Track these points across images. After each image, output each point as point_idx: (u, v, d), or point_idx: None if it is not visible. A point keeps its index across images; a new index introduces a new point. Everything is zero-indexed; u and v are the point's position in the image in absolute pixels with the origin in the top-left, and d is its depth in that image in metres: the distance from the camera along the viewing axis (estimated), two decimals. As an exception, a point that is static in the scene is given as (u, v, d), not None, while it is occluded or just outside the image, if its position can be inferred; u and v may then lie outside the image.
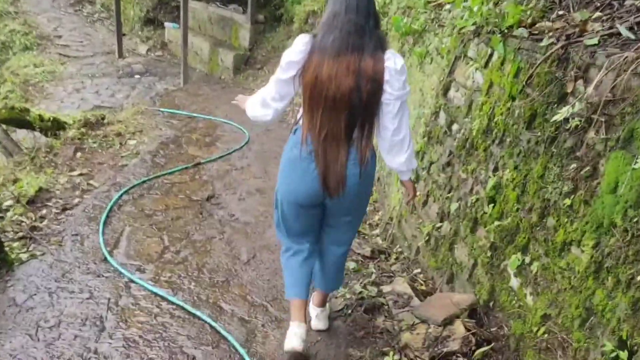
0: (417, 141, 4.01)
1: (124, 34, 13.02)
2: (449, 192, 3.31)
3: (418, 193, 3.65)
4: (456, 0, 3.99)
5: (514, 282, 2.54)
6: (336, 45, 2.27)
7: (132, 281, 3.34)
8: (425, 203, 3.64)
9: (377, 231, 4.41)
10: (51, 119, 6.05)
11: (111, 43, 12.20)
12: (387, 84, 2.31)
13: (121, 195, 4.59)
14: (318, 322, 2.97)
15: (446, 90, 3.64)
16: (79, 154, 5.68)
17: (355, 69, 2.26)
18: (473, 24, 3.36)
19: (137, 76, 10.94)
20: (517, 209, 2.58)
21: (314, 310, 2.99)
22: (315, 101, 2.34)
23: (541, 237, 2.37)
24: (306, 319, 2.77)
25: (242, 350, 2.77)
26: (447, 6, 4.72)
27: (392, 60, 2.32)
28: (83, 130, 6.31)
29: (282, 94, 2.45)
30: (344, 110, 2.31)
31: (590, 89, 2.13)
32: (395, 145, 2.44)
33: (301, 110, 2.47)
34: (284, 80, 2.41)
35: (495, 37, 3.00)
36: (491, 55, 3.10)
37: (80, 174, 5.19)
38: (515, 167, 2.65)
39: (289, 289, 2.75)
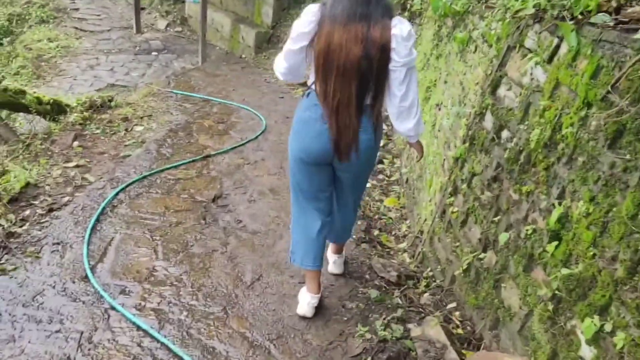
0: (456, 145, 3.39)
1: (142, 8, 12.49)
2: (496, 215, 2.69)
3: (456, 209, 3.09)
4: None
5: (587, 352, 1.94)
6: (345, 14, 2.31)
7: (113, 308, 2.82)
8: (464, 223, 3.03)
9: (404, 245, 3.82)
10: (50, 101, 5.55)
11: (129, 17, 11.66)
12: (394, 51, 2.34)
13: (116, 194, 4.07)
14: (335, 267, 3.29)
15: (495, 87, 3.00)
16: (77, 142, 5.18)
17: (363, 38, 2.30)
18: (534, 6, 2.70)
19: (154, 53, 10.41)
20: (594, 255, 1.97)
21: (331, 257, 3.30)
22: (327, 69, 2.38)
23: (630, 300, 1.76)
24: (320, 289, 2.94)
25: (234, 412, 2.25)
26: (495, -17, 4.08)
27: (399, 27, 2.34)
28: (86, 114, 5.81)
29: (292, 63, 2.51)
30: (354, 78, 2.36)
31: None
32: (403, 111, 2.49)
33: (312, 76, 2.51)
34: (294, 50, 2.45)
35: (565, 25, 2.35)
36: (558, 47, 2.45)
37: (77, 166, 4.69)
38: (592, 199, 2.02)
39: (304, 259, 2.85)
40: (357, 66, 2.33)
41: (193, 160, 4.94)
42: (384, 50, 2.32)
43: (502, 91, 2.94)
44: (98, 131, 5.56)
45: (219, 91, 7.59)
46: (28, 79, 9.06)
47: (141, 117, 6.17)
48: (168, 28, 11.65)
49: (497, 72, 3.00)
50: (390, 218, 4.19)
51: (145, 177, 4.46)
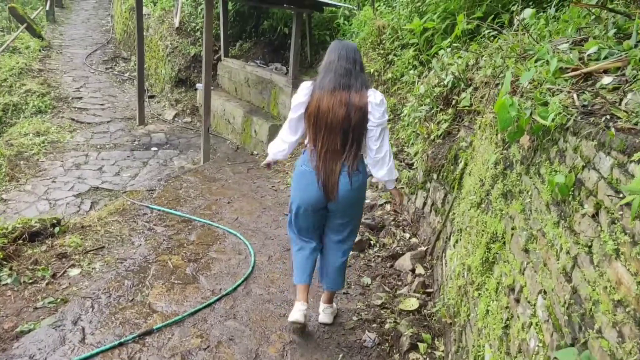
0: None
1: (151, 97, 11.33)
2: None
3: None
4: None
5: None
6: (332, 85, 3.03)
7: None
8: None
9: None
10: (-55, 238, 3.97)
11: (135, 107, 10.42)
12: (370, 114, 3.04)
13: None
14: (324, 316, 3.61)
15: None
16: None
17: (346, 102, 3.01)
18: None
19: (154, 149, 9.00)
20: None
21: (321, 305, 3.65)
22: (318, 126, 3.05)
23: None
24: (308, 299, 3.41)
25: None
26: (607, 79, 2.39)
27: (373, 96, 3.05)
28: (2, 253, 4.19)
29: (294, 129, 3.19)
30: (338, 133, 3.04)
31: None
32: (378, 161, 3.14)
33: (307, 136, 3.17)
34: (295, 119, 3.15)
35: None
36: None
37: None
38: None
39: (298, 277, 3.40)
40: (341, 124, 3.02)
41: (120, 344, 3.19)
42: (362, 112, 3.02)
43: None
44: (9, 280, 3.91)
45: (210, 205, 5.95)
46: (-1, 180, 7.70)
47: (86, 252, 4.52)
48: (176, 118, 10.33)
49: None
50: None
51: (22, 388, 2.72)
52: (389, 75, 6.75)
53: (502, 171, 2.89)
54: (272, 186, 6.72)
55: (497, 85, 3.59)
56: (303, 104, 3.07)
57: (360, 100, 3.00)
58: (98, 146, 8.95)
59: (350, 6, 8.79)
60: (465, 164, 4.09)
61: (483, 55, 4.61)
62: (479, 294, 2.78)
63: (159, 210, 5.67)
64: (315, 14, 9.13)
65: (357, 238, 4.81)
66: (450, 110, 4.91)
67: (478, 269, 2.88)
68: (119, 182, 7.76)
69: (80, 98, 10.86)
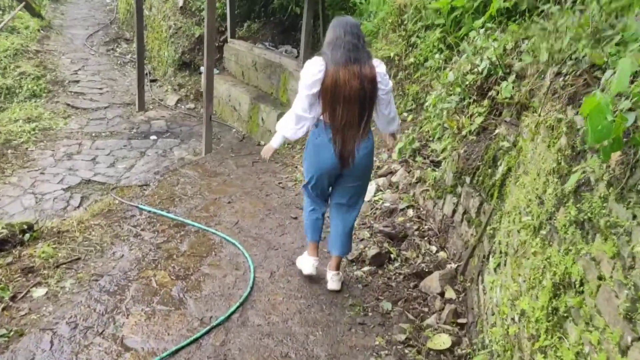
0: None
1: (154, 80, 10.63)
2: None
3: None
4: None
5: None
6: (344, 59, 3.15)
7: None
8: None
9: None
10: None
11: (135, 92, 9.73)
12: (380, 83, 3.25)
13: None
14: (332, 283, 3.77)
15: None
16: None
17: (359, 74, 3.16)
18: None
19: (153, 137, 8.32)
20: None
21: (329, 273, 3.80)
22: (336, 99, 3.18)
23: None
24: (318, 254, 3.83)
25: None
26: None
27: (380, 67, 3.26)
28: (-46, 268, 3.55)
29: (311, 105, 3.26)
30: (355, 104, 3.20)
31: None
32: (389, 121, 3.49)
33: (320, 109, 3.28)
34: (311, 95, 3.23)
35: None
36: None
37: None
38: None
39: (311, 236, 3.78)
40: (357, 95, 3.18)
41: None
42: (373, 82, 3.21)
43: None
44: (-44, 305, 3.27)
45: (208, 205, 5.26)
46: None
47: (57, 266, 3.86)
48: (179, 104, 9.62)
49: None
50: None
51: None
52: (411, 59, 5.98)
53: (575, 191, 2.16)
54: (279, 182, 6.02)
55: (557, 74, 2.83)
56: (319, 81, 3.18)
57: (371, 71, 3.20)
58: (93, 134, 8.29)
59: (368, -17, 7.99)
60: (509, 169, 3.37)
61: (529, 37, 3.85)
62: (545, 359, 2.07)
63: (150, 211, 5.00)
64: (329, -9, 8.34)
65: (375, 250, 4.13)
66: (485, 102, 4.15)
67: (541, 322, 2.17)
68: (112, 175, 7.09)
69: (78, 81, 10.18)
